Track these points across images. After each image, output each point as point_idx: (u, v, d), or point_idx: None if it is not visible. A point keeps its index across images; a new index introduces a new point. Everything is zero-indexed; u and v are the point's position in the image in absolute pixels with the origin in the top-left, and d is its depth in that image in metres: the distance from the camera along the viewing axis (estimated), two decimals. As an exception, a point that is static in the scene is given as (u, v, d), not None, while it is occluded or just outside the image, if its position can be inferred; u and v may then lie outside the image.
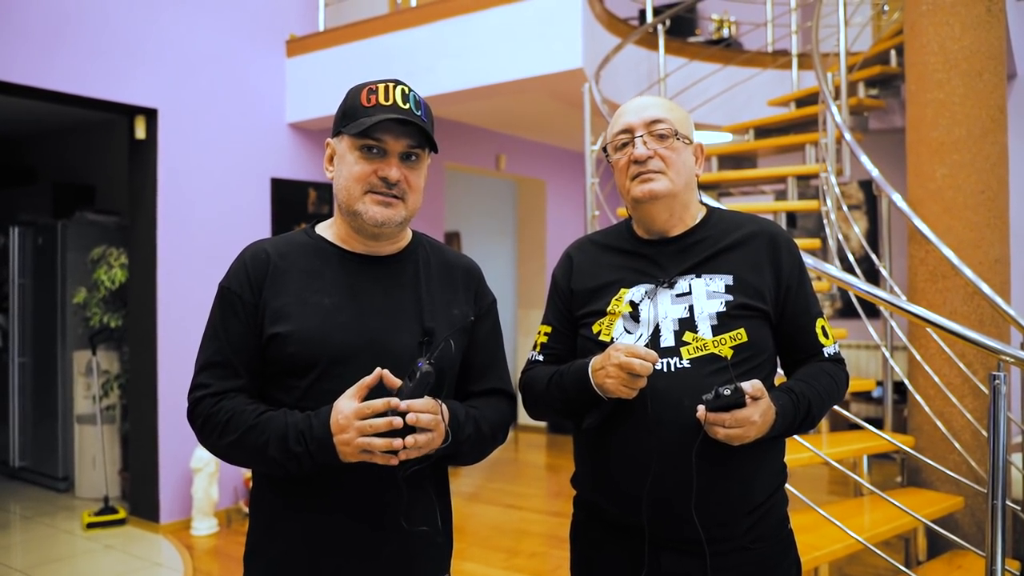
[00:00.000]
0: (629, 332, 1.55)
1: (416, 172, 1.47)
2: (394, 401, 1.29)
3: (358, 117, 1.43)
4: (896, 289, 3.50)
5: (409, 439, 1.29)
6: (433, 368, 1.32)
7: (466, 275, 1.60)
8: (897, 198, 3.31)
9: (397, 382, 1.34)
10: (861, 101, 4.61)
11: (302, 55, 5.37)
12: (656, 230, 1.61)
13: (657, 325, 1.53)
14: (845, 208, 3.68)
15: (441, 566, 1.54)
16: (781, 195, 5.93)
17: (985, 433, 3.14)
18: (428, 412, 1.31)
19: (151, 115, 4.76)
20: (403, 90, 1.44)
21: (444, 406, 1.37)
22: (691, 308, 1.53)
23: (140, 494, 4.89)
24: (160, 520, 4.75)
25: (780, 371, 1.68)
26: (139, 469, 4.91)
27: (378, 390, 1.34)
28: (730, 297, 1.53)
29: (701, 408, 1.41)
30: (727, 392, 1.38)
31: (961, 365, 3.19)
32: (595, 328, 1.59)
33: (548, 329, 1.70)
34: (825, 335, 1.61)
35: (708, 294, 1.54)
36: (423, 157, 1.48)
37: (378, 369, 1.34)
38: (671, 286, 1.56)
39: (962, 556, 3.11)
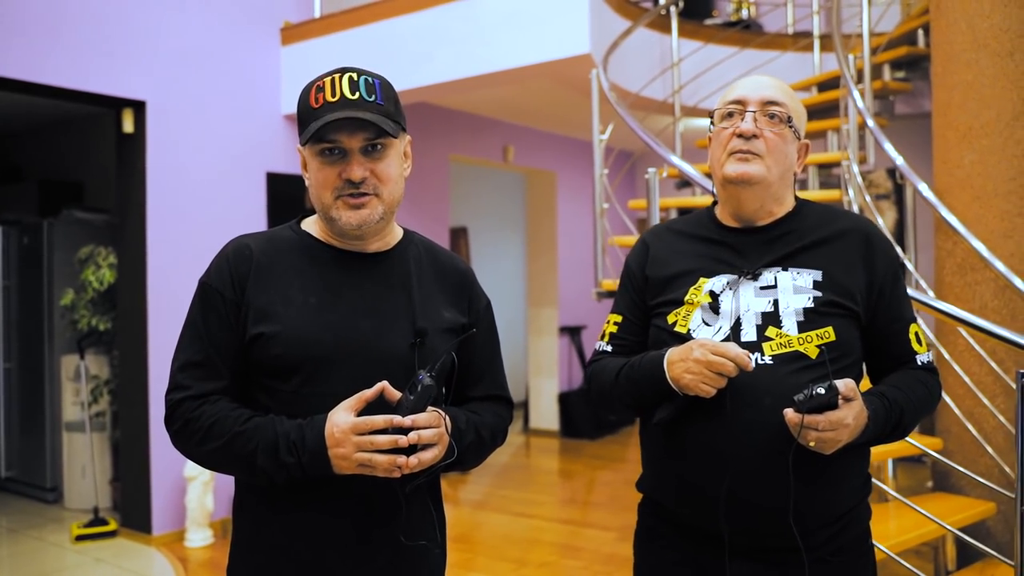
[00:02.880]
0: (708, 324, 1.53)
1: (384, 162, 1.44)
2: (397, 419, 1.30)
3: (309, 122, 1.42)
4: (922, 283, 3.49)
5: (413, 459, 1.31)
6: (434, 381, 1.33)
7: (458, 277, 1.60)
8: (923, 187, 3.30)
9: (397, 394, 1.35)
10: (886, 84, 4.59)
11: (297, 43, 5.39)
12: (743, 217, 1.60)
13: (738, 318, 1.51)
14: (868, 198, 3.66)
15: (436, 554, 1.55)
16: (804, 185, 5.92)
17: (1018, 435, 3.13)
18: (431, 427, 1.32)
19: (139, 108, 4.79)
20: (351, 78, 1.42)
21: (447, 418, 1.38)
22: (776, 302, 1.51)
23: (132, 504, 4.93)
24: (153, 531, 4.79)
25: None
26: (130, 478, 4.94)
27: (376, 403, 1.35)
28: (819, 293, 1.51)
29: (790, 412, 1.37)
30: (821, 391, 1.33)
31: (992, 363, 3.17)
32: (671, 318, 1.57)
33: (619, 318, 1.69)
34: (919, 342, 1.58)
35: (795, 288, 1.51)
36: (389, 144, 1.45)
37: (383, 383, 1.34)
38: (755, 278, 1.54)
39: (994, 566, 3.10)
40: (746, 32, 5.77)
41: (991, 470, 3.20)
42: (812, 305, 1.49)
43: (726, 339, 1.49)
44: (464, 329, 1.55)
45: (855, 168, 3.74)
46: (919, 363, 1.58)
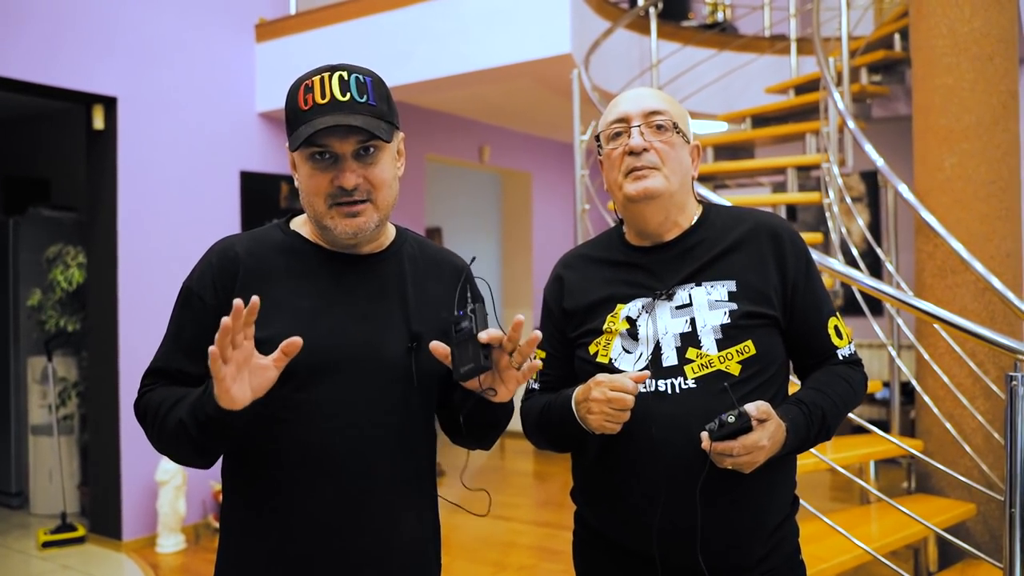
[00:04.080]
0: (628, 351, 1.51)
1: (377, 167, 1.39)
2: (254, 300, 1.22)
3: (298, 124, 1.36)
4: (903, 285, 3.50)
5: (524, 365, 1.28)
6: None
7: (455, 275, 1.56)
8: (904, 189, 3.31)
9: (445, 350, 1.30)
10: (864, 88, 4.61)
11: (272, 40, 5.32)
12: (649, 233, 1.57)
13: (658, 342, 1.49)
14: (848, 200, 3.68)
15: (431, 565, 1.52)
16: (779, 187, 5.95)
17: (998, 436, 3.15)
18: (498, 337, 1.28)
19: (110, 104, 4.69)
20: (340, 77, 1.36)
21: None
22: (692, 321, 1.49)
23: (101, 509, 4.82)
24: (123, 537, 4.69)
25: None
26: (100, 483, 4.84)
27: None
28: (734, 306, 1.49)
29: (705, 438, 1.37)
30: (731, 419, 1.34)
31: (972, 365, 3.19)
32: (591, 349, 1.55)
33: (542, 355, 1.66)
34: (839, 335, 1.57)
35: (710, 304, 1.49)
36: (382, 146, 1.40)
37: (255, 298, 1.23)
38: (670, 298, 1.52)
39: (975, 566, 3.12)
40: (724, 35, 5.78)
41: (971, 471, 3.21)
42: (729, 320, 1.48)
43: (646, 366, 1.48)
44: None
45: (835, 170, 3.75)
46: (840, 357, 1.57)
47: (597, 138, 1.61)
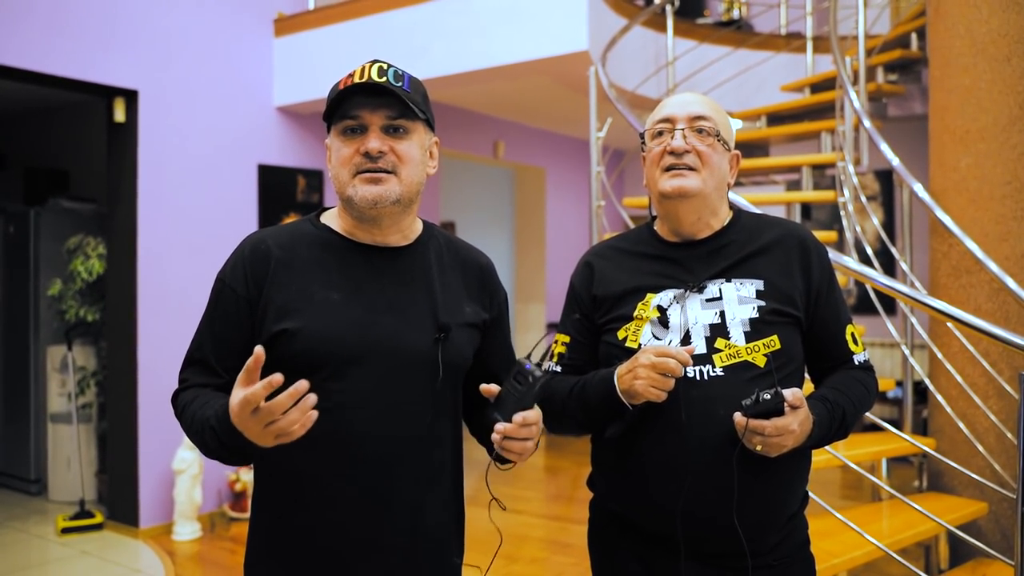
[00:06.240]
0: (658, 338, 1.55)
1: (405, 143, 1.43)
2: (277, 378, 1.15)
3: (334, 102, 1.42)
4: (917, 284, 3.50)
5: (519, 450, 1.35)
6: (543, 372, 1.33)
7: (479, 271, 1.59)
8: (919, 188, 3.31)
9: (495, 390, 1.35)
10: (880, 87, 4.61)
11: (291, 35, 5.34)
12: (682, 231, 1.62)
13: (687, 331, 1.54)
14: (864, 199, 3.68)
15: (454, 553, 1.57)
16: (793, 185, 5.94)
17: (1011, 436, 3.15)
18: (535, 424, 1.35)
19: (131, 97, 4.73)
20: (380, 67, 1.42)
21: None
22: (722, 314, 1.54)
23: (118, 497, 4.87)
24: (140, 524, 4.74)
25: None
26: (117, 471, 4.89)
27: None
28: (762, 303, 1.54)
29: (738, 415, 1.41)
30: (767, 396, 1.38)
31: (985, 364, 3.19)
32: (621, 334, 1.59)
33: (566, 339, 1.70)
34: (855, 342, 1.63)
35: (739, 299, 1.55)
36: (412, 129, 1.44)
37: (277, 376, 1.16)
38: (701, 290, 1.57)
39: (986, 565, 3.13)
40: (740, 32, 5.78)
41: (983, 470, 3.22)
42: (757, 315, 1.53)
43: None
44: (485, 324, 1.55)
45: (851, 169, 3.76)
46: (856, 363, 1.63)
47: (641, 136, 1.66)
